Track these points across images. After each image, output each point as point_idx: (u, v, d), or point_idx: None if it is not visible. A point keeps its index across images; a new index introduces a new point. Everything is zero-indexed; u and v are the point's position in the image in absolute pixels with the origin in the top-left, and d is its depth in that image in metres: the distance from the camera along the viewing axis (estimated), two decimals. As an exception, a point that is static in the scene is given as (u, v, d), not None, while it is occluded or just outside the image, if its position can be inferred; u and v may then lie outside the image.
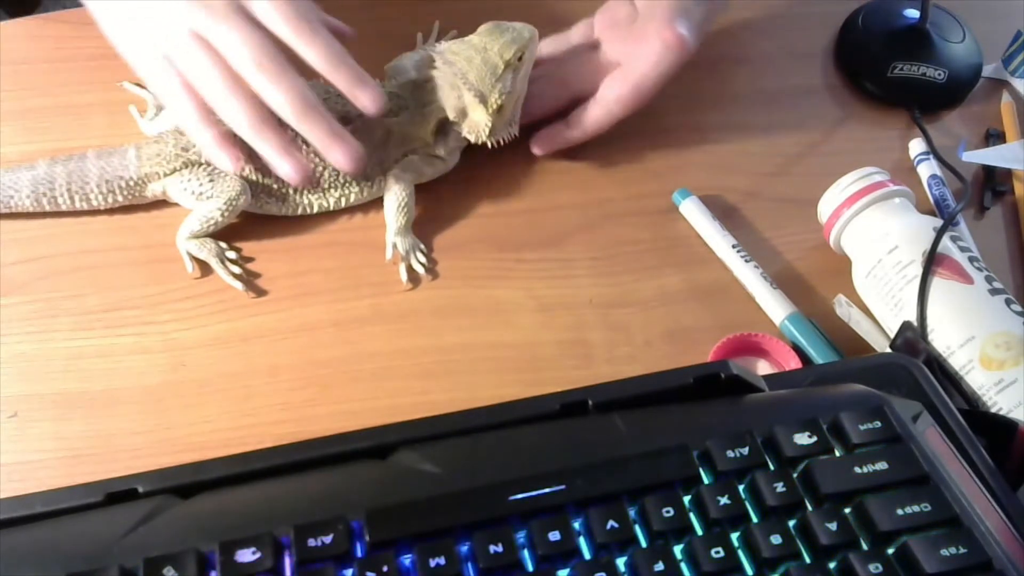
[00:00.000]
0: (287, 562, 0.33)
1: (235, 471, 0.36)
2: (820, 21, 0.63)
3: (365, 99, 0.47)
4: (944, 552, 0.33)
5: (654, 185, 0.55)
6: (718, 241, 0.52)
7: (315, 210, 0.52)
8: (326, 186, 0.51)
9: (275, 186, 0.51)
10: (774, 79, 0.60)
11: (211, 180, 0.50)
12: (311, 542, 0.33)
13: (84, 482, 0.36)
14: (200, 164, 0.50)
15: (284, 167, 0.47)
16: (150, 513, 0.35)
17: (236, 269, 0.50)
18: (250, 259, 0.51)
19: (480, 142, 0.52)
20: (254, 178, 0.50)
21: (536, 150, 0.55)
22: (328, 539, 0.33)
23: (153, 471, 0.36)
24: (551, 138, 0.55)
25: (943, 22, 0.61)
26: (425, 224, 0.53)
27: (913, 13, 0.61)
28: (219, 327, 0.49)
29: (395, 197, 0.51)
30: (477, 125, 0.51)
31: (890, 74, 0.59)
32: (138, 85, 0.56)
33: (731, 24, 0.63)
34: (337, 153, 0.46)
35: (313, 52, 0.45)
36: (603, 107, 0.54)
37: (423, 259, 0.52)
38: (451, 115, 0.51)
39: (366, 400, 0.47)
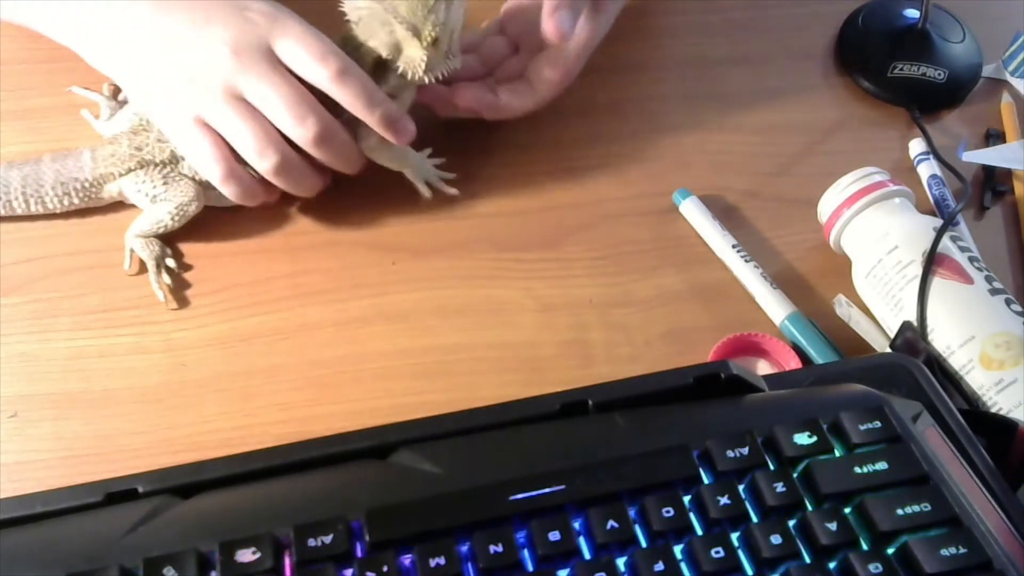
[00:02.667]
0: (287, 562, 0.33)
1: (235, 471, 0.36)
2: (820, 21, 0.63)
3: (400, 138, 0.49)
4: (944, 552, 0.33)
5: (654, 185, 0.55)
6: (718, 241, 0.52)
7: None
8: None
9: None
10: (774, 79, 0.60)
11: (164, 183, 0.50)
12: (311, 542, 0.33)
13: (84, 482, 0.36)
14: (155, 164, 0.50)
15: (309, 192, 0.51)
16: (150, 513, 0.35)
17: (167, 279, 0.50)
18: (188, 267, 0.51)
19: (418, 78, 0.50)
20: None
21: (457, 100, 0.53)
22: (328, 539, 0.33)
23: (153, 471, 0.36)
24: (477, 99, 0.54)
25: (943, 22, 0.61)
26: (425, 224, 0.53)
27: (913, 13, 0.61)
28: (219, 327, 0.49)
29: (386, 160, 0.52)
30: (412, 60, 0.49)
31: (890, 74, 0.59)
32: (87, 89, 0.56)
33: (731, 24, 0.63)
34: (402, 136, 0.49)
35: (347, 95, 0.47)
36: (535, 92, 0.54)
37: (439, 174, 0.53)
38: (384, 53, 0.49)
39: (366, 400, 0.47)
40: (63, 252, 0.51)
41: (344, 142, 0.50)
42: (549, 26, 0.50)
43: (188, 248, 0.52)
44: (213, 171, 0.49)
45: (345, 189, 0.54)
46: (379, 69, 0.50)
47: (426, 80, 0.50)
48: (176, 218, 0.50)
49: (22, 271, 0.50)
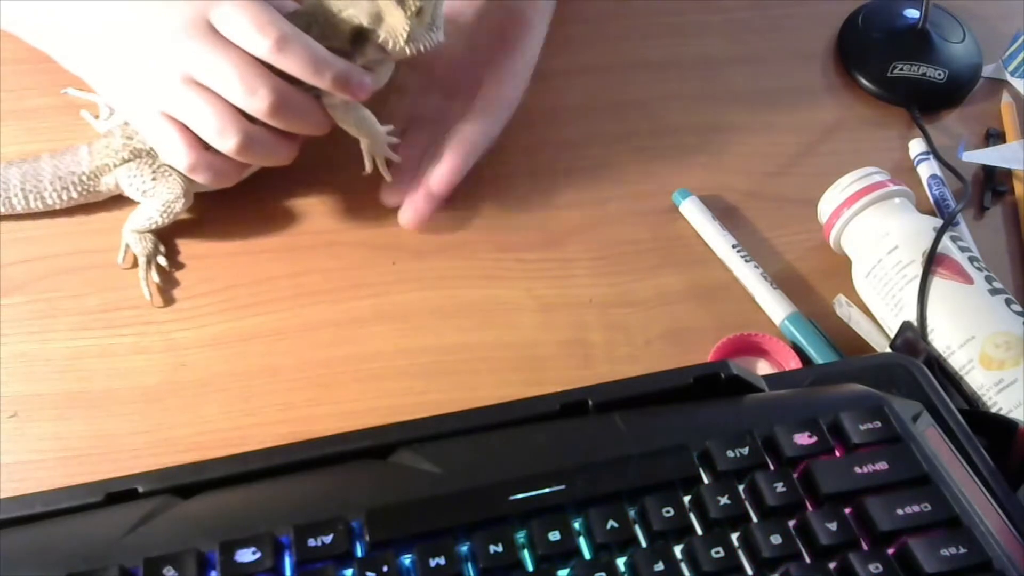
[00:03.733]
0: (287, 562, 0.33)
1: (235, 471, 0.36)
2: (820, 21, 0.63)
3: (358, 93, 0.47)
4: (944, 552, 0.33)
5: (654, 185, 0.55)
6: (718, 241, 0.52)
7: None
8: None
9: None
10: (774, 79, 0.60)
11: (154, 178, 0.50)
12: (311, 542, 0.33)
13: (84, 482, 0.36)
14: (145, 154, 0.50)
15: (283, 160, 0.50)
16: (150, 513, 0.35)
17: (155, 277, 0.50)
18: (189, 267, 0.51)
19: (399, 49, 0.48)
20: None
21: (410, 223, 0.52)
22: (328, 539, 0.33)
23: (153, 471, 0.36)
24: (418, 207, 0.52)
25: (943, 22, 0.61)
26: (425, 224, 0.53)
27: (913, 13, 0.61)
28: (219, 327, 0.49)
29: (347, 123, 0.50)
30: (394, 30, 0.48)
31: (890, 74, 0.59)
32: (83, 90, 0.56)
33: (731, 24, 0.63)
34: (359, 91, 0.48)
35: (292, 65, 0.46)
36: (461, 156, 0.52)
37: (390, 155, 0.52)
38: (365, 21, 0.48)
39: (366, 400, 0.47)
40: (63, 252, 0.51)
41: (303, 107, 0.47)
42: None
43: (188, 248, 0.52)
44: (179, 162, 0.48)
45: (345, 189, 0.54)
46: (358, 39, 0.49)
47: (407, 52, 0.49)
48: (164, 215, 0.50)
49: (22, 271, 0.50)
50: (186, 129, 0.47)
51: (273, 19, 0.45)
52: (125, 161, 0.50)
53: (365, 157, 0.52)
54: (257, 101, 0.45)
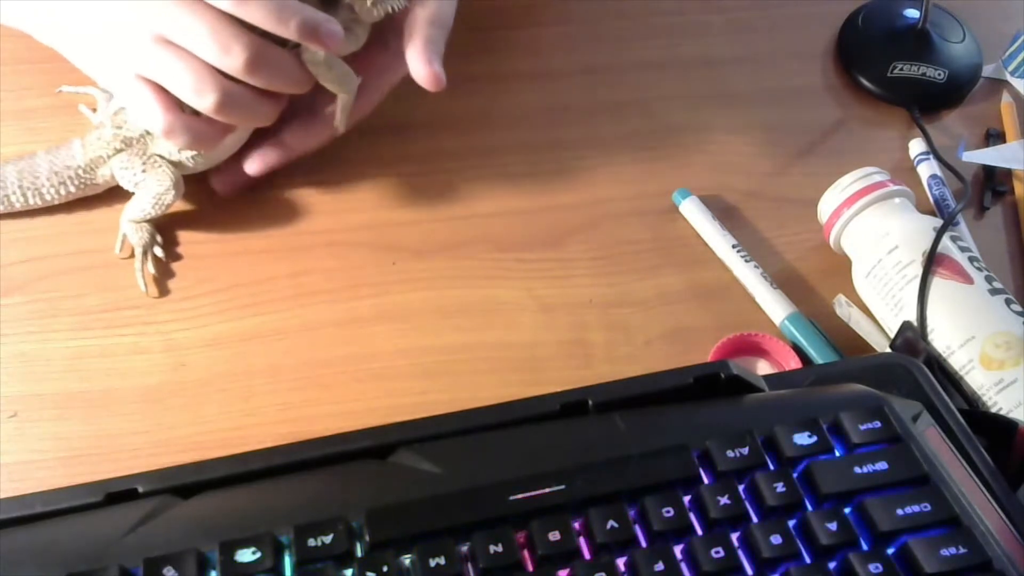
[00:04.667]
0: (287, 562, 0.33)
1: (235, 471, 0.36)
2: (820, 21, 0.63)
3: (329, 43, 0.45)
4: (944, 552, 0.33)
5: (654, 185, 0.55)
6: (718, 241, 0.52)
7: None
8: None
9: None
10: (774, 79, 0.60)
11: (143, 170, 0.50)
12: (311, 542, 0.33)
13: (84, 482, 0.36)
14: (136, 142, 0.50)
15: (265, 120, 0.49)
16: (150, 513, 0.35)
17: (151, 268, 0.50)
18: (179, 258, 0.51)
19: (366, 11, 0.48)
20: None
21: (251, 171, 0.51)
22: (328, 539, 0.33)
23: (153, 471, 0.36)
24: (266, 161, 0.51)
25: (943, 22, 0.61)
26: (425, 224, 0.53)
27: (913, 13, 0.61)
28: (219, 327, 0.49)
29: (327, 79, 0.49)
30: None
31: (890, 74, 0.59)
32: (78, 85, 0.55)
33: (731, 24, 0.63)
34: (330, 40, 0.45)
35: (255, 15, 0.44)
36: (327, 127, 0.51)
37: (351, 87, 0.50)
38: None
39: (366, 400, 0.47)
40: (63, 252, 0.51)
41: (280, 63, 0.46)
42: (427, 76, 0.48)
43: (188, 248, 0.52)
44: (156, 124, 0.47)
45: (345, 189, 0.54)
46: (327, 5, 0.48)
47: (375, 14, 0.48)
48: (156, 207, 0.50)
49: (22, 271, 0.50)
50: (162, 90, 0.46)
51: None
52: (117, 151, 0.50)
53: (339, 113, 0.51)
54: (232, 59, 0.44)
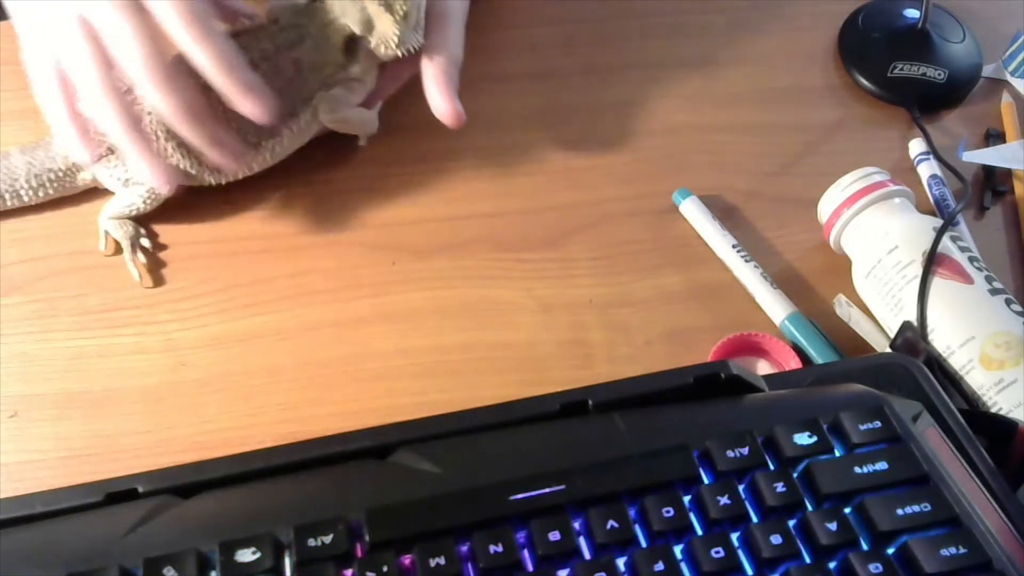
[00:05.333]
0: (287, 562, 0.33)
1: (235, 471, 0.36)
2: (820, 21, 0.63)
3: (253, 109, 0.46)
4: (944, 552, 0.33)
5: (654, 185, 0.55)
6: (718, 241, 0.52)
7: (256, 167, 0.51)
8: (255, 141, 0.50)
9: (204, 155, 0.49)
10: (774, 79, 0.60)
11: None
12: (311, 542, 0.33)
13: (84, 482, 0.36)
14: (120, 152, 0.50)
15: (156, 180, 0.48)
16: (150, 513, 0.35)
17: (142, 258, 0.50)
18: (163, 247, 0.51)
19: (390, 53, 0.50)
20: (175, 151, 0.49)
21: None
22: (328, 539, 0.33)
23: (153, 471, 0.36)
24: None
25: (943, 22, 0.61)
26: (425, 224, 0.53)
27: (913, 13, 0.61)
28: (219, 327, 0.49)
29: (349, 131, 0.52)
30: (385, 36, 0.49)
31: (890, 74, 0.59)
32: None
33: (731, 24, 0.63)
34: (249, 105, 0.46)
35: (204, 57, 0.45)
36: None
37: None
38: (357, 29, 0.49)
39: (366, 400, 0.47)
40: (63, 252, 0.51)
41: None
42: (449, 114, 0.50)
43: (188, 248, 0.52)
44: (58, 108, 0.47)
45: (345, 189, 0.54)
46: (350, 48, 0.50)
47: (398, 54, 0.50)
48: (148, 201, 0.50)
49: (22, 271, 0.50)
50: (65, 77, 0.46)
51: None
52: (102, 157, 0.50)
53: (362, 140, 0.54)
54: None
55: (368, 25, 0.49)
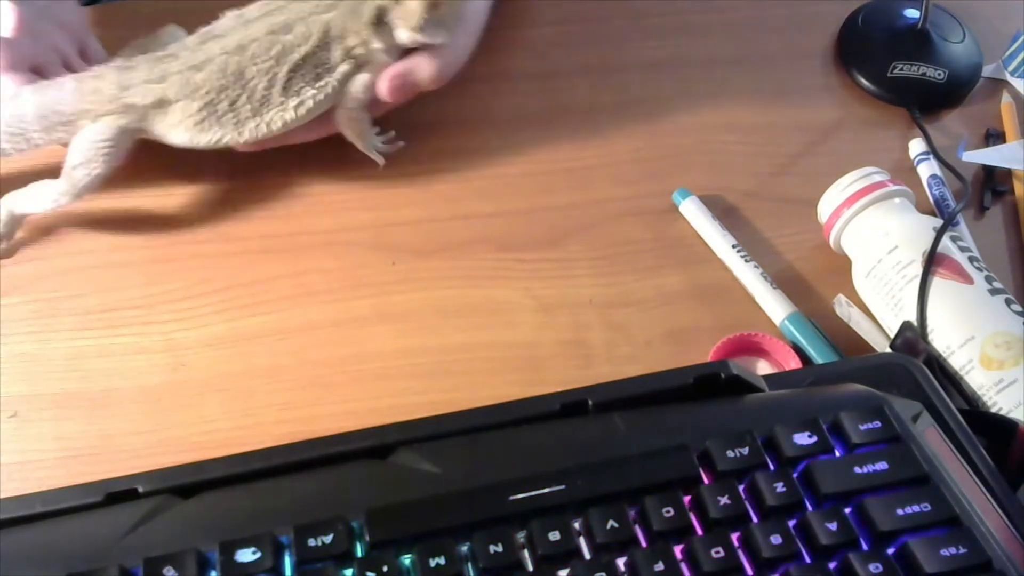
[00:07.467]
0: (287, 562, 0.33)
1: (235, 471, 0.36)
2: (820, 21, 0.63)
3: None
4: (944, 552, 0.33)
5: (654, 185, 0.55)
6: (718, 241, 0.52)
7: (277, 127, 0.50)
8: (280, 99, 0.50)
9: (227, 114, 0.49)
10: (774, 79, 0.60)
11: (105, 149, 0.48)
12: (311, 542, 0.33)
13: (84, 482, 0.36)
14: (133, 112, 0.48)
15: None
16: (150, 513, 0.35)
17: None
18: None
19: (407, 33, 0.49)
20: (201, 110, 0.49)
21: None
22: (328, 539, 0.33)
23: (153, 471, 0.36)
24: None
25: (943, 22, 0.61)
26: (425, 224, 0.53)
27: (913, 13, 0.61)
28: (219, 327, 0.49)
29: (349, 128, 0.52)
30: (409, 12, 0.49)
31: (890, 74, 0.59)
32: None
33: (731, 24, 0.63)
34: None
35: None
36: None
37: (384, 143, 0.54)
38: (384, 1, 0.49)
39: (366, 400, 0.47)
40: (63, 252, 0.51)
41: None
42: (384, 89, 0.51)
43: (188, 248, 0.52)
44: None
45: (345, 189, 0.54)
46: (379, 23, 0.50)
47: (416, 37, 0.50)
48: (72, 194, 0.49)
49: (22, 271, 0.50)
50: None
51: None
52: (108, 114, 0.48)
53: (376, 159, 0.54)
54: None
55: None
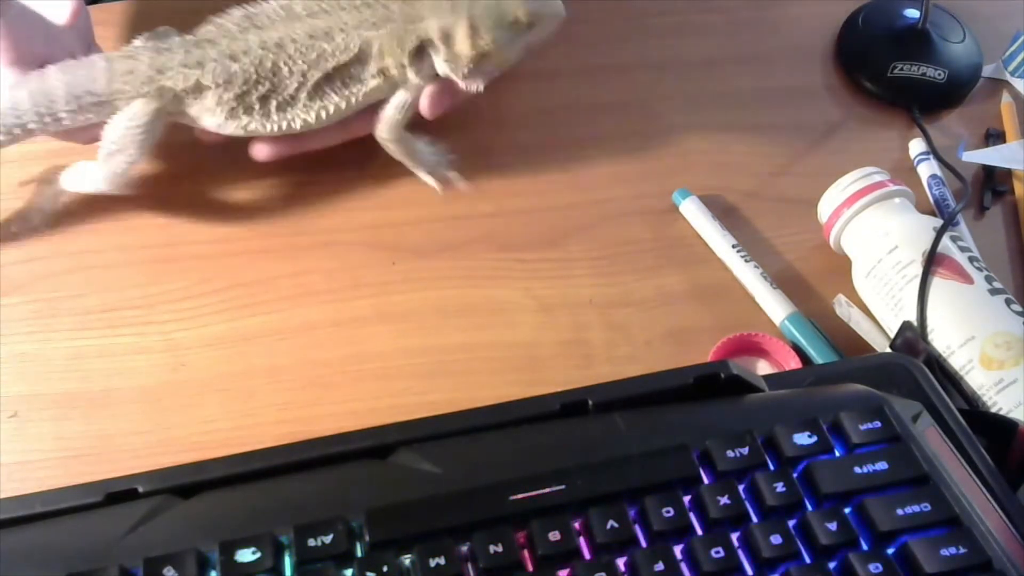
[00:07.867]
0: (287, 562, 0.33)
1: (235, 471, 0.36)
2: (820, 21, 0.63)
3: None
4: (944, 552, 0.33)
5: (654, 185, 0.55)
6: (718, 241, 0.52)
7: (297, 126, 0.50)
8: (306, 101, 0.50)
9: (256, 105, 0.49)
10: (774, 79, 0.60)
11: (138, 134, 0.48)
12: (311, 542, 0.33)
13: (84, 482, 0.36)
14: (170, 95, 0.48)
15: None
16: (150, 513, 0.35)
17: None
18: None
19: (448, 74, 0.50)
20: (233, 99, 0.49)
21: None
22: (328, 539, 0.33)
23: (153, 471, 0.36)
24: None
25: (943, 22, 0.61)
26: (425, 224, 0.53)
27: (913, 13, 0.61)
28: (219, 327, 0.49)
29: (395, 152, 0.52)
30: (457, 57, 0.49)
31: (890, 74, 0.59)
32: None
33: (731, 24, 0.63)
34: None
35: None
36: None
37: (449, 169, 0.54)
38: (435, 36, 0.49)
39: (366, 400, 0.47)
40: (63, 252, 0.51)
41: None
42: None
43: (188, 248, 0.52)
44: None
45: (345, 189, 0.54)
46: (419, 54, 0.50)
47: (453, 79, 0.50)
48: (107, 181, 0.50)
49: (22, 271, 0.50)
50: None
51: None
52: (143, 96, 0.48)
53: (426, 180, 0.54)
54: None
55: (447, 38, 0.49)
